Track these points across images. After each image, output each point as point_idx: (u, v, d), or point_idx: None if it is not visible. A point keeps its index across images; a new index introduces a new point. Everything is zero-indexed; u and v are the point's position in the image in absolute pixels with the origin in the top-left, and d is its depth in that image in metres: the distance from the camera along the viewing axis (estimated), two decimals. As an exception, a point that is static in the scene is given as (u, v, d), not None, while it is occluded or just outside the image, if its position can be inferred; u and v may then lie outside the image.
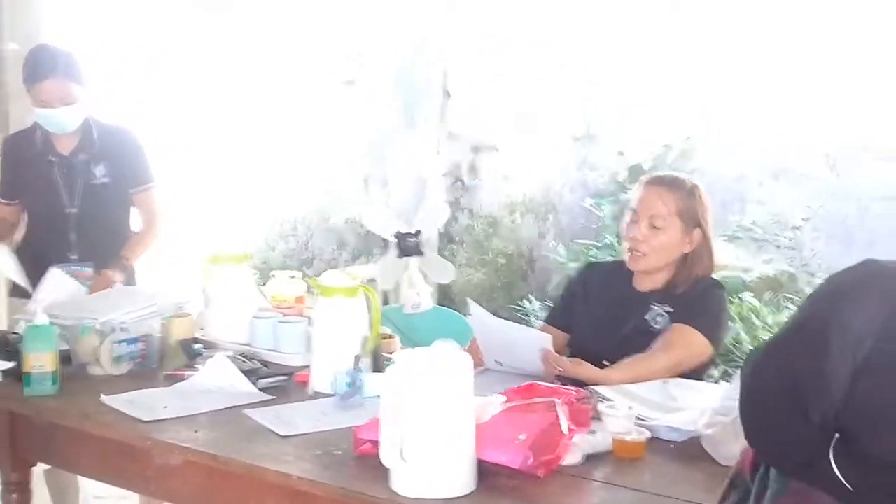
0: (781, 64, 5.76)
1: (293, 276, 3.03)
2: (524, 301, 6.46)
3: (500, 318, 6.45)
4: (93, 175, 3.41)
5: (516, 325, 2.99)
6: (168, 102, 7.05)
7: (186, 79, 7.38)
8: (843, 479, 1.29)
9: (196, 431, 2.22)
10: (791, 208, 5.74)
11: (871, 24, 5.46)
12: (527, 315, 6.37)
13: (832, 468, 1.30)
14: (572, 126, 6.55)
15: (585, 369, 2.52)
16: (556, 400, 2.06)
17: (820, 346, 1.30)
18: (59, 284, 3.16)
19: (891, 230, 5.53)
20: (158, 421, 2.29)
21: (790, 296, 5.27)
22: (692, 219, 2.73)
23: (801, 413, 1.31)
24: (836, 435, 1.31)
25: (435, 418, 1.84)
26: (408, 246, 3.17)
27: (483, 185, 6.88)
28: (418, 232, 3.17)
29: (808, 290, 5.29)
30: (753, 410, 1.39)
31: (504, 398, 2.08)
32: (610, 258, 6.12)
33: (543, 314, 6.34)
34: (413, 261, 3.20)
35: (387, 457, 1.83)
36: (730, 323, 2.86)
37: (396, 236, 3.16)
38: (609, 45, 6.32)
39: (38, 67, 3.30)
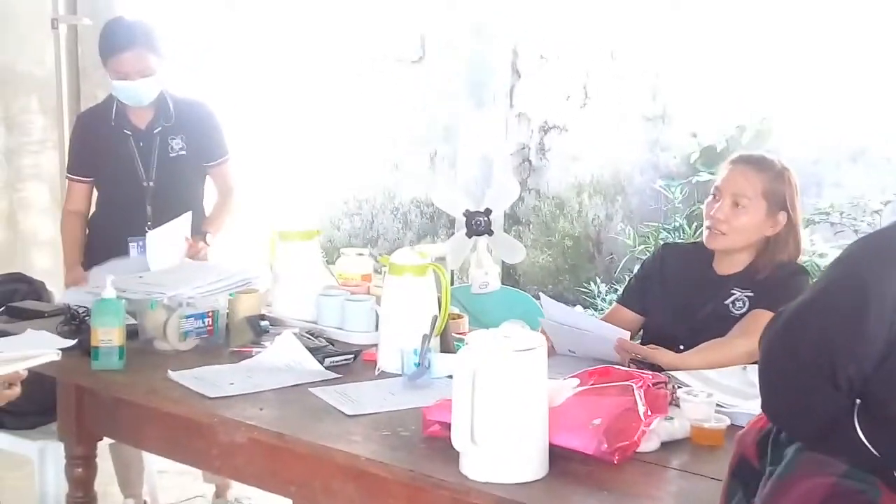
0: (860, 42, 5.58)
1: (361, 254, 2.99)
2: (590, 283, 6.38)
3: (568, 303, 6.39)
4: (169, 148, 3.40)
5: (591, 318, 2.91)
6: (228, 91, 7.06)
7: (242, 66, 7.40)
8: (870, 446, 1.21)
9: (261, 409, 2.19)
10: (870, 192, 5.57)
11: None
12: (593, 298, 6.28)
13: (857, 435, 1.23)
14: (644, 106, 6.43)
15: (661, 354, 2.44)
16: (633, 384, 1.99)
17: (858, 308, 1.23)
18: (165, 245, 3.14)
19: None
20: (224, 398, 2.25)
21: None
22: (778, 201, 2.62)
23: (829, 375, 1.24)
24: (858, 401, 1.23)
25: (508, 401, 1.78)
26: (477, 225, 3.09)
27: (551, 166, 6.79)
28: (488, 210, 3.10)
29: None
30: (778, 372, 1.31)
31: (578, 381, 2.02)
32: (680, 241, 6.01)
33: (610, 297, 6.26)
34: (482, 240, 3.13)
35: (458, 440, 1.78)
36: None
37: (465, 215, 3.09)
38: (683, 22, 6.18)
39: (116, 39, 3.29)
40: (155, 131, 3.40)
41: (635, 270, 5.93)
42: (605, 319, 2.87)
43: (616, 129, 6.52)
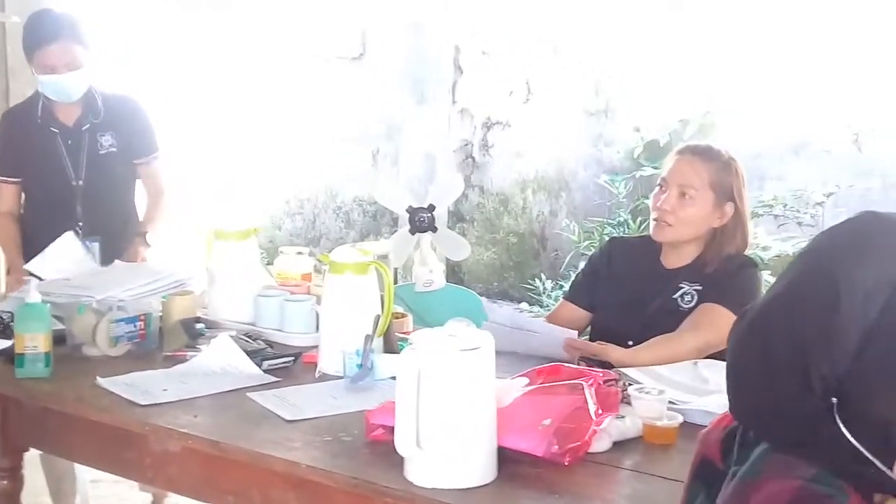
0: (802, 36, 5.59)
1: (300, 253, 2.89)
2: (535, 280, 6.33)
3: (513, 300, 6.33)
4: (99, 145, 3.27)
5: (536, 320, 2.84)
6: (161, 86, 6.90)
7: (176, 61, 7.25)
8: (860, 447, 1.14)
9: (196, 416, 2.09)
10: (811, 184, 5.58)
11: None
12: (539, 294, 6.23)
13: (832, 436, 1.16)
14: (587, 101, 6.39)
15: (611, 350, 2.38)
16: (583, 382, 1.92)
17: (829, 303, 1.16)
18: (69, 249, 3.02)
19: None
20: (157, 405, 2.14)
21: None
22: (725, 192, 2.57)
23: (802, 376, 1.17)
24: (835, 400, 1.17)
25: (454, 403, 1.70)
26: (420, 221, 3.01)
27: (494, 162, 6.73)
28: (431, 207, 3.01)
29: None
30: (747, 374, 1.23)
31: (526, 380, 1.94)
32: (625, 236, 5.98)
33: (556, 294, 6.22)
34: (426, 237, 3.04)
35: (402, 444, 1.70)
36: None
37: (408, 211, 3.00)
38: (626, 17, 6.16)
39: (42, 31, 3.15)
40: (83, 128, 3.27)
41: (581, 266, 5.92)
42: (551, 316, 2.81)
43: (559, 125, 6.48)
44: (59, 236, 3.12)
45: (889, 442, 1.15)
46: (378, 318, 2.33)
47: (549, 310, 6.14)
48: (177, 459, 2.10)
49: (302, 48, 7.24)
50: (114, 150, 3.28)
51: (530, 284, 6.36)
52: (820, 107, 5.61)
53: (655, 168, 6.01)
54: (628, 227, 6.01)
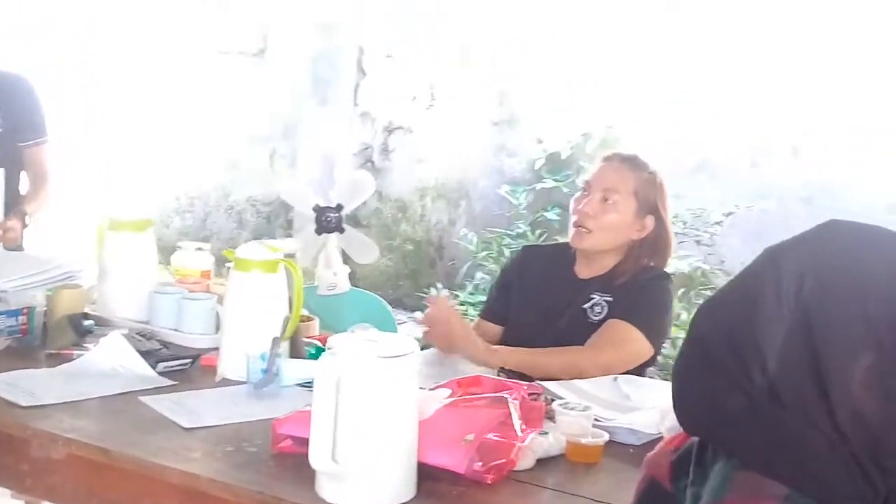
0: (703, 55, 5.63)
1: (200, 249, 2.72)
2: (431, 289, 6.22)
3: (407, 309, 6.21)
4: None
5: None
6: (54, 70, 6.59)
7: (71, 47, 6.94)
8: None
9: (83, 420, 1.91)
10: (710, 203, 5.61)
11: (798, 23, 5.38)
12: (435, 304, 6.13)
13: (795, 452, 1.08)
14: (491, 110, 6.33)
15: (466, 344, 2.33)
16: (507, 396, 1.81)
17: (754, 295, 1.13)
18: None
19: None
20: (40, 407, 1.96)
21: (706, 292, 5.15)
22: (648, 204, 2.50)
23: (740, 373, 1.11)
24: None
25: (376, 413, 1.57)
26: (327, 221, 2.87)
27: (394, 168, 6.61)
28: (339, 207, 2.88)
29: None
30: (689, 375, 1.18)
31: (448, 391, 1.83)
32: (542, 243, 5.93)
33: (452, 303, 6.12)
34: (332, 238, 2.91)
35: (316, 458, 1.56)
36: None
37: (315, 210, 2.86)
38: (532, 28, 6.12)
39: None
40: None
41: (493, 280, 5.81)
42: None
43: (462, 133, 6.39)
44: None
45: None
46: (287, 320, 2.19)
47: (444, 320, 6.06)
48: (60, 467, 1.91)
49: (202, 41, 7.01)
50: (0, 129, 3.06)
51: (425, 293, 6.24)
52: (720, 125, 5.66)
53: (557, 181, 5.97)
54: (527, 239, 5.95)
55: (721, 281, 5.12)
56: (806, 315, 1.09)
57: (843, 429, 1.06)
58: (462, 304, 5.96)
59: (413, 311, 6.25)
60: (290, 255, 2.47)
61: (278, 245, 2.28)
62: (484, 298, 5.84)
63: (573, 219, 2.54)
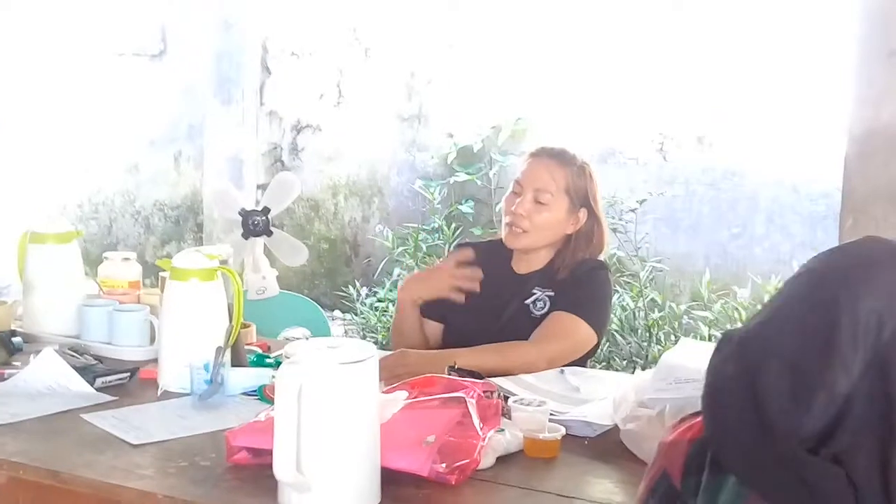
0: (610, 45, 5.70)
1: (127, 259, 2.64)
2: (349, 287, 6.18)
3: (325, 308, 6.17)
4: None
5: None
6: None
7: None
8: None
9: (25, 442, 1.84)
10: (620, 192, 5.69)
11: (701, 14, 5.48)
12: (352, 302, 6.09)
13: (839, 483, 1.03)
14: (399, 105, 6.31)
15: (412, 357, 2.28)
16: (464, 395, 1.80)
17: (829, 327, 1.05)
18: None
19: (715, 215, 5.58)
20: (-25, 431, 1.89)
21: (626, 280, 5.23)
22: (580, 197, 2.51)
23: (796, 407, 1.05)
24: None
25: (339, 421, 1.55)
26: (255, 225, 2.82)
27: (305, 167, 6.54)
28: (266, 209, 2.83)
29: (642, 275, 5.27)
30: (731, 400, 1.10)
31: (406, 393, 1.81)
32: (439, 243, 5.93)
33: (370, 301, 6.09)
34: (259, 241, 2.86)
35: (281, 469, 1.52)
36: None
37: (241, 214, 2.80)
38: (435, 20, 6.11)
39: None
40: None
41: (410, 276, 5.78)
42: None
43: (372, 129, 6.36)
44: None
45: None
46: (230, 328, 2.14)
47: (363, 317, 6.01)
48: (3, 493, 1.84)
49: (98, 43, 6.82)
50: None
51: (343, 291, 6.21)
52: (627, 115, 5.74)
53: (469, 174, 5.99)
54: (443, 234, 5.96)
55: (640, 268, 5.20)
56: (882, 364, 1.03)
57: (892, 486, 1.01)
58: (380, 301, 5.94)
59: (332, 310, 6.21)
60: (223, 262, 2.42)
61: (215, 252, 2.23)
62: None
63: (506, 219, 2.54)
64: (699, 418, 1.17)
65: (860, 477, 1.02)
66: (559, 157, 2.54)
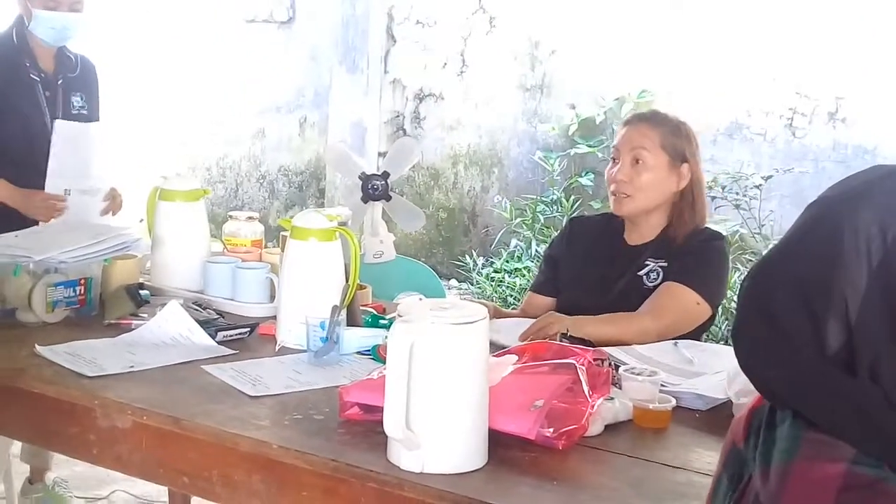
0: (739, 19, 5.57)
1: (251, 218, 2.71)
2: (465, 257, 6.23)
3: (442, 277, 6.23)
4: (71, 104, 3.05)
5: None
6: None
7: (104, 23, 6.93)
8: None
9: (148, 389, 1.92)
10: (746, 167, 5.58)
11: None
12: (468, 271, 6.13)
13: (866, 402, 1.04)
14: (522, 76, 6.29)
15: (556, 319, 2.28)
16: (574, 361, 1.80)
17: (832, 245, 1.07)
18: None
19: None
20: (104, 377, 1.97)
21: (748, 257, 5.12)
22: (678, 154, 2.46)
23: (811, 334, 1.07)
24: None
25: (449, 381, 1.57)
26: (374, 189, 2.86)
27: (426, 135, 6.59)
28: (385, 174, 2.87)
29: (763, 252, 5.19)
30: (751, 333, 1.13)
31: (515, 357, 1.82)
32: (557, 215, 5.91)
33: (486, 270, 6.12)
34: (378, 206, 2.90)
35: (391, 425, 1.55)
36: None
37: (361, 178, 2.85)
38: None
39: None
40: (58, 82, 3.04)
41: (526, 246, 5.78)
42: (521, 310, 2.69)
43: (494, 99, 6.36)
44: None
45: None
46: (346, 288, 2.18)
47: (479, 286, 6.05)
48: (127, 437, 1.92)
49: (229, 11, 6.98)
50: (84, 112, 3.08)
51: (460, 261, 6.25)
52: (755, 89, 5.60)
53: (590, 146, 5.94)
54: (561, 206, 5.95)
55: (763, 246, 5.09)
56: (888, 267, 1.05)
57: None
58: (497, 272, 5.95)
59: (448, 278, 6.26)
60: (343, 224, 2.46)
61: (334, 213, 2.27)
62: (518, 265, 5.86)
63: (610, 189, 2.52)
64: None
65: (891, 388, 1.03)
66: (651, 119, 2.53)
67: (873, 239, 1.05)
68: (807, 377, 1.08)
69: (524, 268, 5.77)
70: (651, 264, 2.50)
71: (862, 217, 1.07)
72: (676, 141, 2.48)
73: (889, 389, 1.03)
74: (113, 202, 3.09)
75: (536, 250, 5.76)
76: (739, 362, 1.17)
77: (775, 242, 1.19)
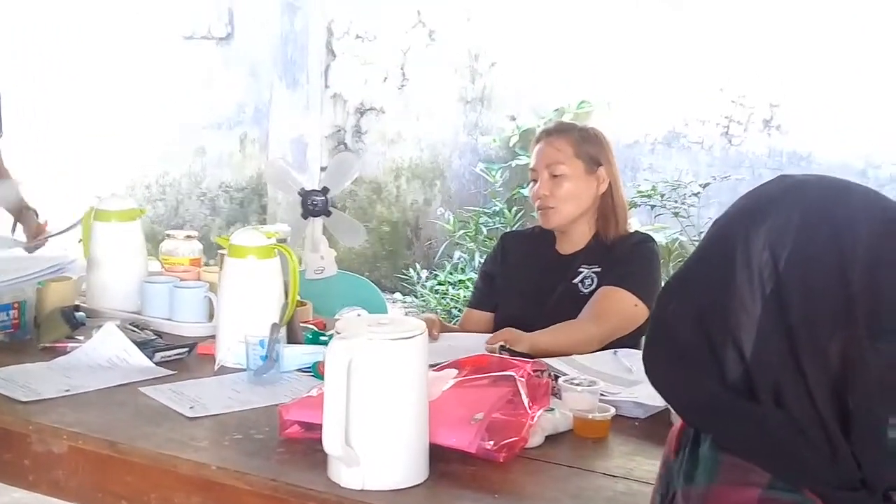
0: (673, 30, 5.64)
1: (189, 236, 2.69)
2: (409, 270, 6.23)
3: (385, 290, 6.21)
4: None
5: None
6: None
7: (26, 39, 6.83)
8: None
9: (85, 413, 1.89)
10: (684, 175, 5.64)
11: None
12: (413, 284, 6.13)
13: (777, 426, 1.02)
14: (463, 88, 6.31)
15: (514, 335, 2.30)
16: (514, 373, 1.81)
17: (725, 273, 1.05)
18: None
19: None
20: (39, 401, 1.94)
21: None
22: (592, 159, 2.51)
23: (710, 358, 1.05)
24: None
25: (388, 396, 1.57)
26: (313, 205, 2.85)
27: (367, 149, 6.58)
28: (325, 189, 2.86)
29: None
30: (655, 359, 1.12)
31: (455, 371, 1.82)
32: (500, 226, 5.93)
33: (430, 283, 6.12)
34: (318, 221, 2.89)
35: (330, 442, 1.55)
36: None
37: (301, 194, 2.84)
38: (502, 2, 6.10)
39: None
40: None
41: (470, 258, 5.78)
42: (460, 326, 2.72)
43: (435, 112, 6.38)
44: None
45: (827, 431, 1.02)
46: (285, 305, 2.17)
47: (423, 300, 6.05)
48: (63, 462, 1.89)
49: (166, 27, 6.92)
50: None
51: (404, 274, 6.25)
52: (692, 99, 5.68)
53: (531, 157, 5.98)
54: (504, 217, 5.97)
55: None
56: (779, 293, 1.03)
57: (823, 412, 1.01)
58: (441, 284, 5.96)
59: (392, 292, 6.25)
60: (282, 241, 2.45)
61: (273, 230, 2.26)
62: (462, 277, 5.87)
63: (536, 204, 2.57)
64: None
65: (795, 412, 1.01)
66: (560, 130, 2.59)
67: (765, 266, 1.04)
68: (712, 405, 1.07)
69: (468, 279, 5.79)
70: (585, 271, 2.54)
71: (754, 242, 1.05)
72: (588, 147, 2.53)
73: (795, 414, 1.02)
74: (38, 227, 3.03)
75: (480, 262, 5.78)
76: (653, 386, 1.16)
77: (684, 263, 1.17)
